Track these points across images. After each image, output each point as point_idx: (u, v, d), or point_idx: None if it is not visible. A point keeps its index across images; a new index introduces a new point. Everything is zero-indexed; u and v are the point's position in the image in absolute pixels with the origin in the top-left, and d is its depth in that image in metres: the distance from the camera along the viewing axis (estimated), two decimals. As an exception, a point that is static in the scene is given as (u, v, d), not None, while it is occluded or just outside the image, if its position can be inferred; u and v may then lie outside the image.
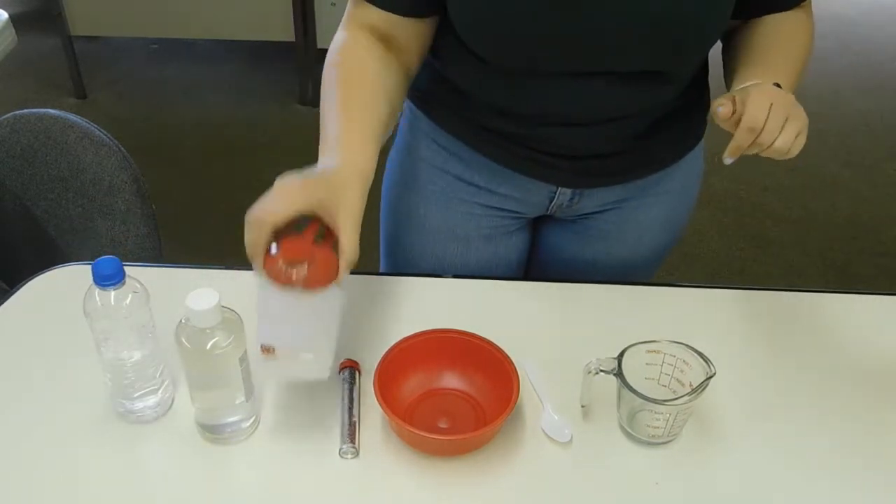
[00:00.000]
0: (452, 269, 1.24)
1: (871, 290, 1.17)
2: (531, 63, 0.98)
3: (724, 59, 1.07)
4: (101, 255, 0.84)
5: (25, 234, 1.49)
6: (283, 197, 0.83)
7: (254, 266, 0.85)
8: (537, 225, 1.29)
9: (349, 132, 0.91)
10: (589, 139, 1.08)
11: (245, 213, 0.83)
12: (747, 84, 0.93)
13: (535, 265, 1.33)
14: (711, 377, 0.87)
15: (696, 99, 1.13)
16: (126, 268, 0.85)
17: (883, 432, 0.96)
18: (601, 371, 0.90)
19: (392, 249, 1.30)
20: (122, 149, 1.46)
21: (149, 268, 1.18)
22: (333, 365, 0.90)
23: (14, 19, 1.98)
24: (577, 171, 1.12)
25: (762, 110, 0.87)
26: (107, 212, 1.44)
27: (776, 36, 1.03)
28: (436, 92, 1.13)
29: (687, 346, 0.91)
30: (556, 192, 1.16)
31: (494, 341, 0.96)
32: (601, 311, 1.11)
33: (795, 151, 0.89)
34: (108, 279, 0.83)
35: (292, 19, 3.20)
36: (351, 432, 0.91)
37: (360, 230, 0.85)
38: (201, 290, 0.83)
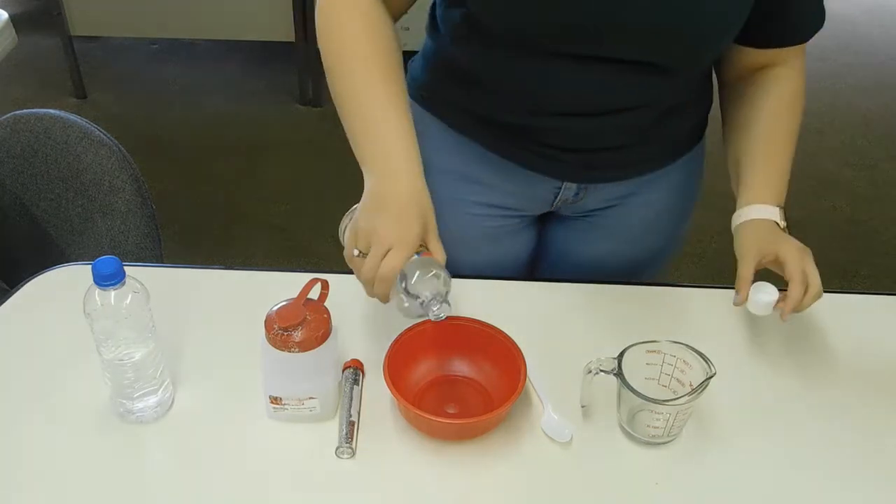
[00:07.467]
0: (463, 271, 1.24)
1: (871, 290, 1.17)
2: (534, 34, 0.96)
3: (724, 129, 1.12)
4: (101, 255, 0.84)
5: (25, 234, 1.49)
6: (398, 251, 0.87)
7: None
8: (542, 224, 1.28)
9: (399, 138, 0.94)
10: (593, 131, 1.07)
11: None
12: (755, 234, 1.05)
13: (543, 265, 1.33)
14: (711, 377, 0.87)
15: (700, 96, 1.13)
16: (126, 268, 0.85)
17: (883, 432, 0.96)
18: (601, 371, 0.90)
19: None
20: (122, 149, 1.46)
21: (149, 268, 1.18)
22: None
23: (14, 19, 1.98)
24: (582, 165, 1.12)
25: (813, 275, 0.98)
26: (107, 212, 1.44)
27: (776, 123, 1.07)
28: (439, 86, 1.13)
29: (687, 346, 0.91)
30: (560, 188, 1.15)
31: (494, 341, 0.96)
32: (601, 311, 1.11)
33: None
34: (108, 279, 0.83)
35: (292, 19, 3.20)
36: (349, 432, 0.91)
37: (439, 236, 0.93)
38: None
